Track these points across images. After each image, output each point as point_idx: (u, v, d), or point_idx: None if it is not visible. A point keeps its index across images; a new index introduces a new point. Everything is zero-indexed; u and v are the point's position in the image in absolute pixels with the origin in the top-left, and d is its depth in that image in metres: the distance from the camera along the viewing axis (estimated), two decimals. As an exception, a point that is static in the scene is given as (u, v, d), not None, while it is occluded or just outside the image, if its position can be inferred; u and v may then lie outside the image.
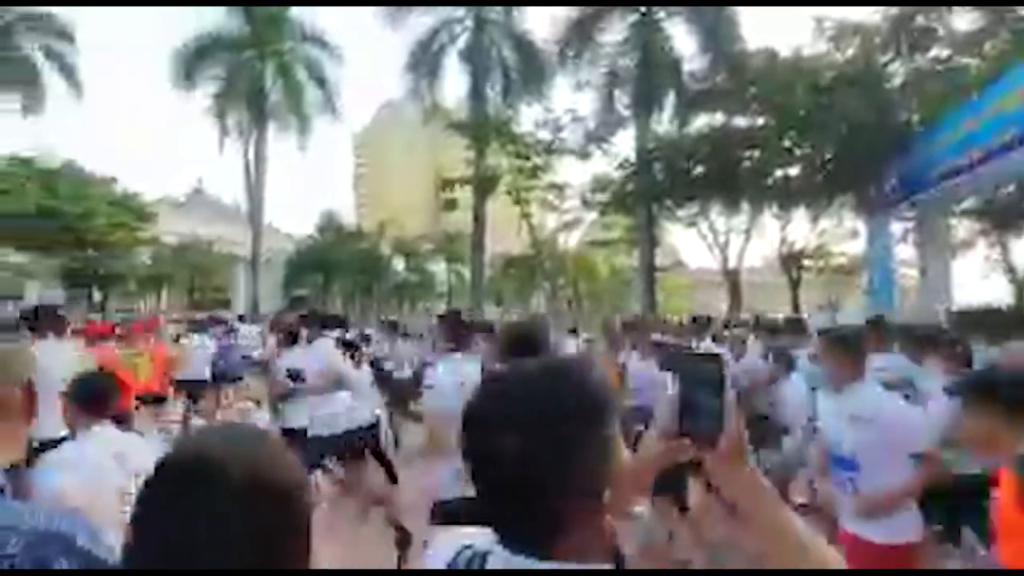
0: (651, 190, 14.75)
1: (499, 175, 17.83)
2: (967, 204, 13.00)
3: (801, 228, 16.16)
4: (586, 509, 0.66)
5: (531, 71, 17.22)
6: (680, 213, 16.80)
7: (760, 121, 12.79)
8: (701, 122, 14.89)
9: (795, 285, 14.78)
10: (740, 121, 13.51)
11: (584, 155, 16.32)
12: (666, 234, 20.11)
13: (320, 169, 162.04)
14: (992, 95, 8.41)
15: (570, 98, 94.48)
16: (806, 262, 16.06)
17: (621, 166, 15.98)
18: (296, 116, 20.36)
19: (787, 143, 12.32)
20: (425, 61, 17.73)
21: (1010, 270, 14.01)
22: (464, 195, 18.31)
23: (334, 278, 30.40)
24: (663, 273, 25.91)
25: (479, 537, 0.73)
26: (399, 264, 33.49)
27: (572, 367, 0.74)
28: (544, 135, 16.79)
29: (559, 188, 18.81)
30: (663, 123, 15.60)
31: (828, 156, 11.59)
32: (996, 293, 14.65)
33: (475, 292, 19.01)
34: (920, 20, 11.38)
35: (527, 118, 33.23)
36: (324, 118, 20.88)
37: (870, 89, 10.61)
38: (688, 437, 0.75)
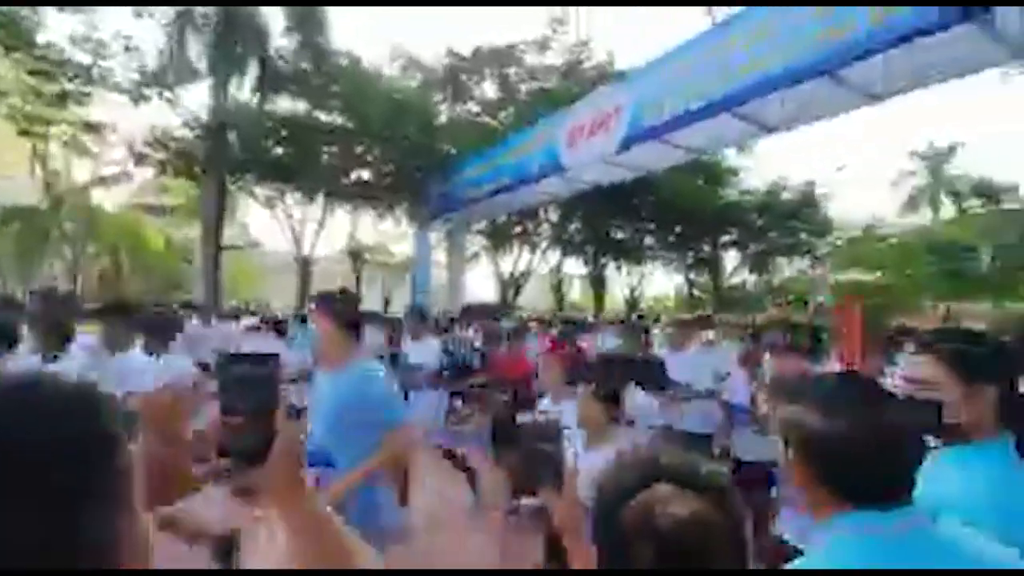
0: (226, 159, 13.49)
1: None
2: (479, 226, 17.45)
3: (368, 226, 18.02)
4: None
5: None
6: (257, 191, 15.99)
7: (340, 121, 13.60)
8: (285, 105, 14.62)
9: (359, 277, 16.42)
10: (323, 116, 13.98)
11: (139, 98, 13.43)
12: (241, 210, 18.75)
13: None
14: (501, 149, 11.60)
15: (128, 24, 74.87)
16: (369, 257, 18.04)
17: (188, 124, 13.97)
18: None
19: (362, 148, 13.56)
20: None
21: (499, 277, 19.83)
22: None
23: None
24: (234, 253, 23.99)
25: None
26: None
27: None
28: (84, 58, 12.96)
29: (95, 129, 14.83)
30: (245, 92, 14.51)
31: (392, 167, 13.40)
32: (490, 294, 20.70)
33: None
34: (463, 78, 14.57)
35: (60, 26, 24.90)
36: None
37: (425, 119, 12.88)
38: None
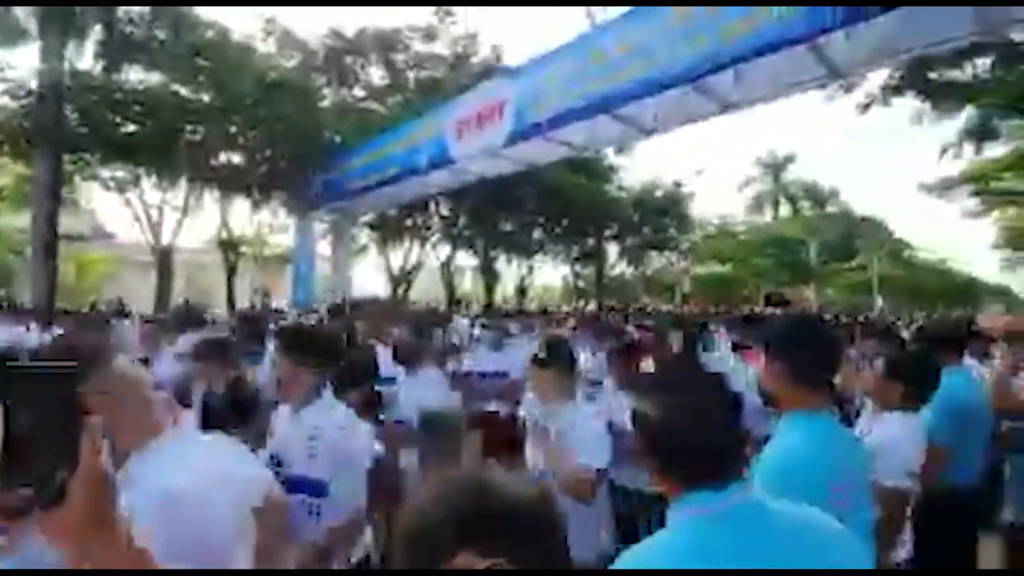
0: (60, 136, 11.59)
1: None
2: (367, 218, 16.85)
3: (241, 215, 16.59)
4: None
5: None
6: (104, 174, 13.97)
7: (206, 98, 12.34)
8: (137, 76, 12.92)
9: (231, 270, 15.05)
10: (184, 91, 12.57)
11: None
12: (84, 197, 16.24)
13: None
14: (390, 138, 11.24)
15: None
16: (244, 249, 16.61)
17: (12, 93, 11.85)
18: None
19: (233, 129, 12.42)
20: None
21: (388, 270, 19.31)
22: None
23: None
24: (79, 244, 20.71)
25: None
26: None
27: None
28: None
29: None
30: (85, 59, 12.58)
31: (268, 152, 12.45)
32: (379, 287, 20.18)
33: None
34: (348, 60, 13.94)
35: None
36: None
37: (307, 103, 12.14)
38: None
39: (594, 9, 10.36)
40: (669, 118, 7.42)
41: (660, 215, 22.08)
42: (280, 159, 12.49)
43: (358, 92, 14.36)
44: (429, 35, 15.22)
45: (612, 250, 23.83)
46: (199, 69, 11.80)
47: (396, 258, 19.25)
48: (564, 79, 7.29)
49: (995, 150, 12.22)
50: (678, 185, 22.39)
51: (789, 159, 42.55)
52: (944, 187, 16.78)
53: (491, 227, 18.04)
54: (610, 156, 18.35)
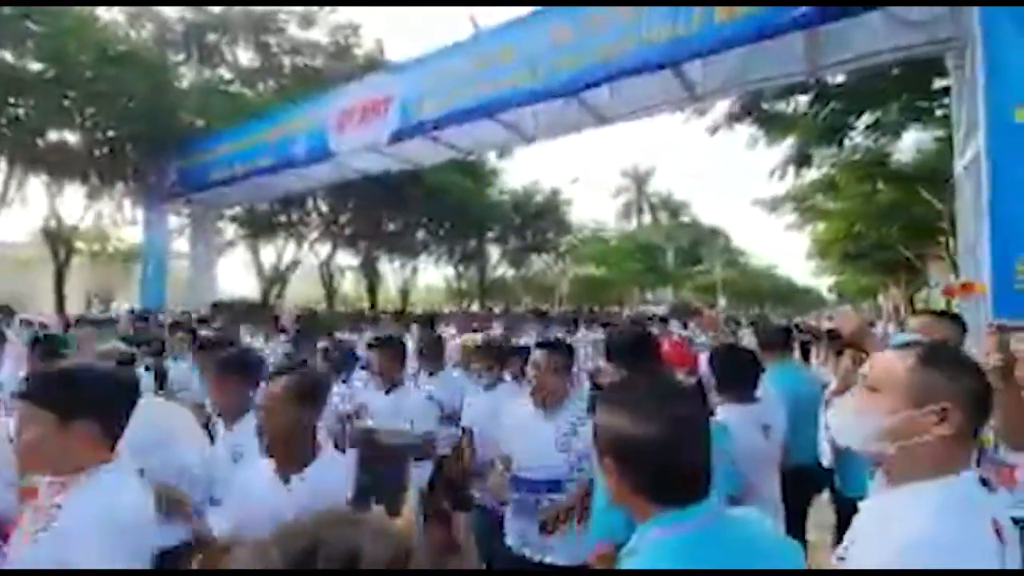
0: None
1: None
2: (235, 211, 15.42)
3: (76, 205, 14.28)
4: None
5: None
6: None
7: (36, 67, 10.45)
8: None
9: (62, 266, 12.84)
10: (8, 56, 10.53)
11: None
12: None
13: None
14: (259, 125, 10.39)
15: None
16: (79, 244, 14.32)
17: None
18: None
19: (67, 103, 10.65)
20: None
21: (260, 269, 17.83)
22: None
23: None
24: None
25: None
26: None
27: None
28: None
29: None
30: None
31: (111, 133, 10.88)
32: (249, 288, 18.54)
33: None
34: (212, 38, 12.66)
35: None
36: None
37: (160, 80, 10.80)
38: None
39: (477, 15, 10.56)
40: (550, 126, 7.84)
41: (539, 219, 23.06)
42: (127, 142, 10.97)
43: (225, 73, 13.08)
44: (307, 20, 14.38)
45: (494, 252, 24.38)
46: (27, 33, 9.96)
47: (268, 256, 17.88)
48: (451, 79, 7.37)
49: (811, 174, 14.61)
50: (556, 191, 23.61)
51: (649, 172, 46.99)
52: (773, 204, 19.65)
53: (375, 226, 17.50)
54: (491, 160, 18.78)
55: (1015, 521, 1.05)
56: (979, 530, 0.98)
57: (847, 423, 1.18)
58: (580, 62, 6.13)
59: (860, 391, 1.17)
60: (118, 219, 14.08)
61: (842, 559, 1.11)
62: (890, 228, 16.87)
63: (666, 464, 0.97)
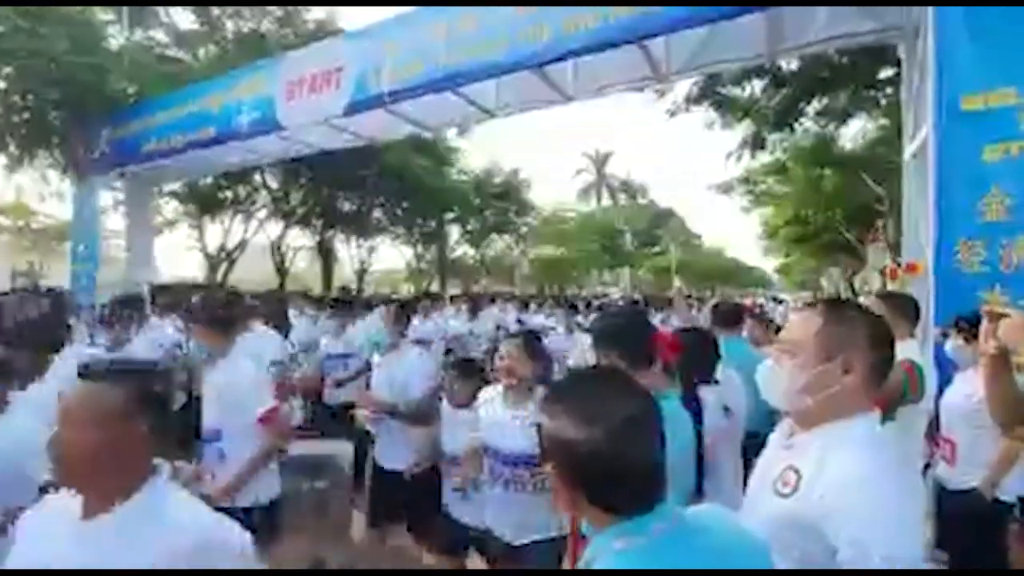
0: None
1: None
2: (175, 187, 14.49)
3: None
4: None
5: None
6: None
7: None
8: None
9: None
10: None
11: None
12: None
13: None
14: (200, 93, 9.66)
15: None
16: (2, 220, 13.14)
17: None
18: None
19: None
20: None
21: (204, 249, 16.89)
22: None
23: None
24: None
25: None
26: None
27: None
28: None
29: None
30: None
31: (30, 98, 9.92)
32: (192, 270, 17.59)
33: None
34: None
35: None
36: None
37: (86, 40, 9.89)
38: None
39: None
40: (512, 101, 7.65)
41: (499, 199, 22.83)
42: (50, 108, 10.04)
43: (160, 36, 12.12)
44: (252, -17, 13.44)
45: (454, 232, 24.02)
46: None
47: (214, 235, 16.95)
48: (409, 49, 7.03)
49: (764, 158, 14.99)
50: (515, 171, 23.43)
51: (609, 155, 47.44)
52: (726, 187, 20.14)
53: (329, 205, 16.84)
54: (450, 139, 18.34)
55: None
56: (901, 457, 1.18)
57: (771, 386, 1.33)
58: (544, 35, 5.95)
59: (778, 355, 1.32)
60: (43, 193, 12.96)
61: (784, 496, 1.21)
62: (834, 212, 17.62)
63: (613, 472, 0.90)
